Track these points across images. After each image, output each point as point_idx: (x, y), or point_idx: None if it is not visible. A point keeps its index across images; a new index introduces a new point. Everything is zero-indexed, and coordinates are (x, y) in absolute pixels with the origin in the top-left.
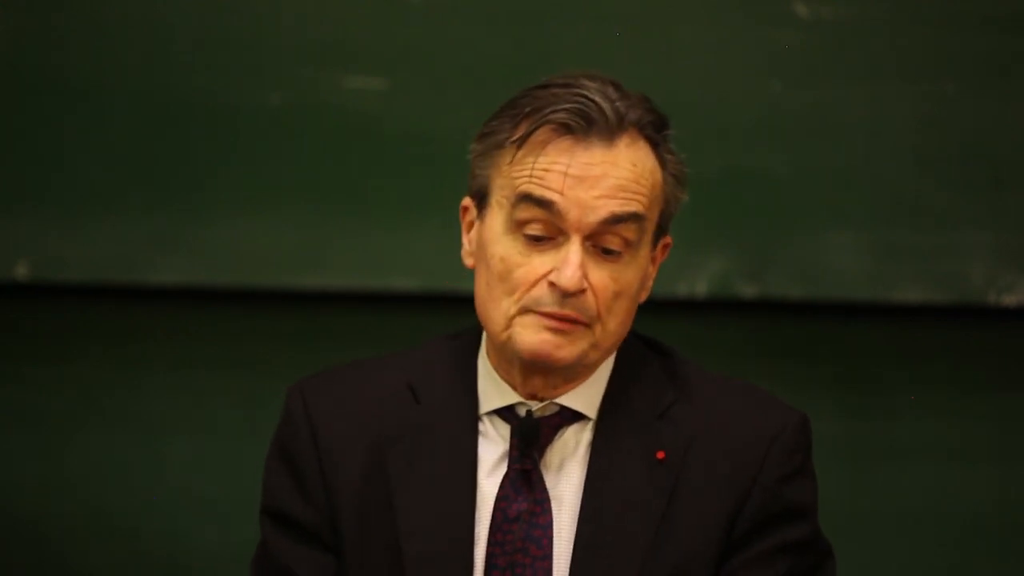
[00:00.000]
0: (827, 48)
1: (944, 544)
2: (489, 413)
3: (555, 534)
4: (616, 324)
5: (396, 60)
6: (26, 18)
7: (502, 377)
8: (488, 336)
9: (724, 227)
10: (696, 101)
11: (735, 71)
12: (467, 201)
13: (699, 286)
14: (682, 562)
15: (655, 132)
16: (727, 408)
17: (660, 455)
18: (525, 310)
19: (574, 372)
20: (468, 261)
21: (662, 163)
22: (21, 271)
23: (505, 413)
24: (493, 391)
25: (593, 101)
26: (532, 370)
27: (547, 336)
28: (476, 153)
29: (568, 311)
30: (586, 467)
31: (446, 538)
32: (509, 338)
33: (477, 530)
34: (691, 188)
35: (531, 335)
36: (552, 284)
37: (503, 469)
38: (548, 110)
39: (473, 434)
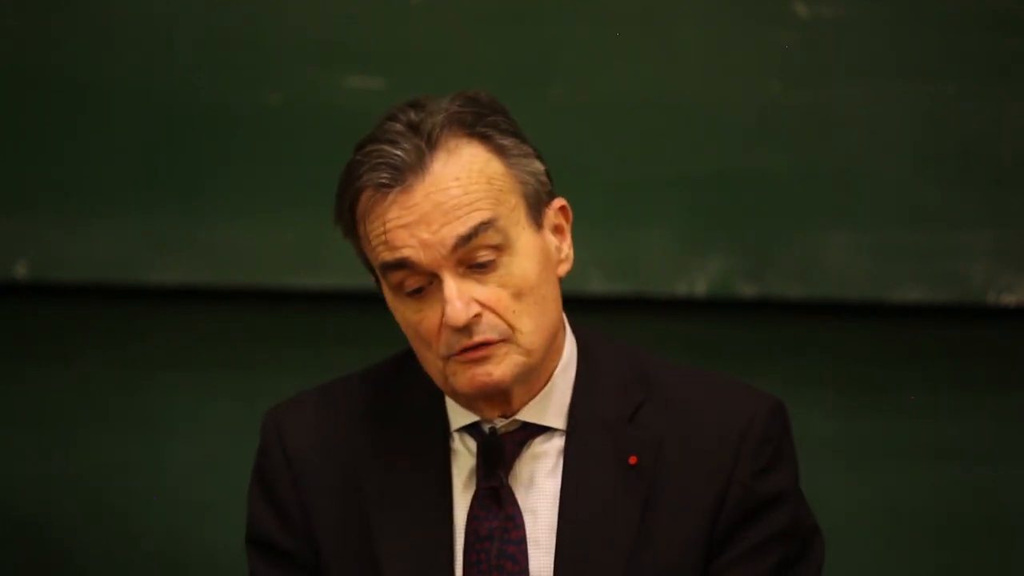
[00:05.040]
0: (827, 48)
1: (944, 544)
2: (459, 430)
3: (531, 547)
4: (534, 322)
5: (396, 60)
6: (26, 18)
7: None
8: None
9: (724, 227)
10: (696, 101)
11: (735, 71)
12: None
13: (699, 286)
14: (666, 566)
15: (481, 127)
16: (697, 404)
17: (632, 460)
18: (446, 358)
19: (527, 384)
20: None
21: (498, 150)
22: (21, 271)
23: (472, 430)
24: (459, 409)
25: (390, 150)
26: (487, 399)
27: (474, 370)
28: (349, 240)
29: (477, 338)
30: (559, 478)
31: (425, 559)
32: (450, 385)
33: (456, 548)
34: (691, 188)
35: (462, 377)
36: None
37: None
38: (359, 177)
39: (445, 452)
